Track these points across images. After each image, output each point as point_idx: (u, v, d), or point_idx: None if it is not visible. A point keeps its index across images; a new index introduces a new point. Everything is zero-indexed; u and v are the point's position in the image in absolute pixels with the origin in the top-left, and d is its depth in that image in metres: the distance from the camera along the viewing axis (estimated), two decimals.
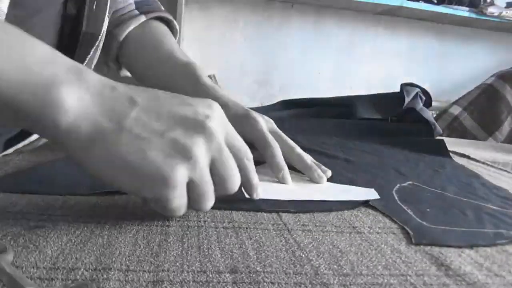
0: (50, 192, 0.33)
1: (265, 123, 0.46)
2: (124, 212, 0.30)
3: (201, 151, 0.27)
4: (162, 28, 0.60)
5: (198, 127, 0.28)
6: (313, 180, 0.43)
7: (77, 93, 0.26)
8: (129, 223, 0.29)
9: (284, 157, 0.43)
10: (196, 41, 2.13)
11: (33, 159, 0.42)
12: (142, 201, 0.30)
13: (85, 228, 0.27)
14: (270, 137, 0.44)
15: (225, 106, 0.43)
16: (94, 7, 0.44)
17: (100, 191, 0.34)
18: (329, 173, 0.45)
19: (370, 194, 0.40)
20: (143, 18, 0.56)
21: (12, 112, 0.25)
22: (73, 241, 0.25)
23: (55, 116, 0.25)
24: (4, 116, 0.26)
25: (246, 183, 0.33)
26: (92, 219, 0.29)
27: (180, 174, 0.26)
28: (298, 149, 0.46)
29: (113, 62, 0.60)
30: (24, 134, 0.46)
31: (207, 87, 0.50)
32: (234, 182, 0.30)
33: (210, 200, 0.29)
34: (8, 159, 0.42)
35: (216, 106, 0.30)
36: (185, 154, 0.26)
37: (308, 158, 0.45)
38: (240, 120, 0.44)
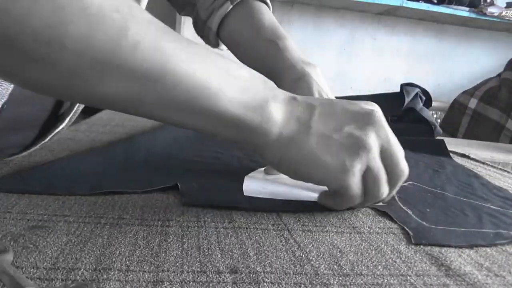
0: (50, 192, 0.33)
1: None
2: (124, 212, 0.30)
3: (372, 140, 0.31)
4: (249, 9, 0.56)
5: (367, 119, 0.32)
6: None
7: (279, 106, 0.31)
8: (129, 223, 0.29)
9: None
10: (196, 41, 2.13)
11: (33, 159, 0.42)
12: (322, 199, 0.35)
13: (85, 228, 0.27)
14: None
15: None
16: None
17: (100, 191, 0.34)
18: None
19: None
20: (229, 5, 0.55)
21: (231, 127, 0.30)
22: (73, 241, 0.25)
23: (269, 128, 0.30)
24: (221, 131, 0.30)
25: None
26: (92, 219, 0.29)
27: (358, 163, 0.31)
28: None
29: (214, 46, 0.60)
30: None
31: (285, 69, 0.48)
32: (405, 166, 0.33)
33: (384, 187, 0.32)
34: (8, 159, 0.42)
35: (376, 105, 0.34)
36: (360, 144, 0.31)
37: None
38: None
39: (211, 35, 0.57)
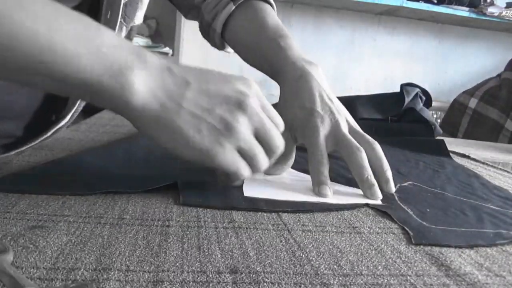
0: (50, 192, 0.33)
1: (325, 129, 0.43)
2: (124, 212, 0.30)
3: (242, 124, 0.33)
4: (252, 9, 0.56)
5: (239, 103, 0.33)
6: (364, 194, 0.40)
7: (144, 76, 0.30)
8: (129, 223, 0.29)
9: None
10: (196, 41, 2.13)
11: (33, 159, 0.42)
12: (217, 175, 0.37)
13: (85, 228, 0.27)
14: (320, 151, 0.41)
15: (295, 99, 0.44)
16: (109, 15, 0.44)
17: (100, 191, 0.34)
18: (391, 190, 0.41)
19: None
20: (232, 6, 0.55)
21: (89, 93, 0.29)
22: (73, 241, 0.25)
23: (128, 97, 0.29)
24: (81, 96, 0.31)
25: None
26: (92, 219, 0.29)
27: (228, 143, 0.32)
28: (358, 156, 0.41)
29: (219, 47, 0.61)
30: (23, 140, 0.46)
31: (285, 65, 0.47)
32: (279, 141, 0.35)
33: (262, 159, 0.34)
34: (8, 159, 0.42)
35: (253, 84, 0.35)
36: (229, 128, 0.32)
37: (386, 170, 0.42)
38: (302, 122, 0.43)
39: (216, 37, 0.57)
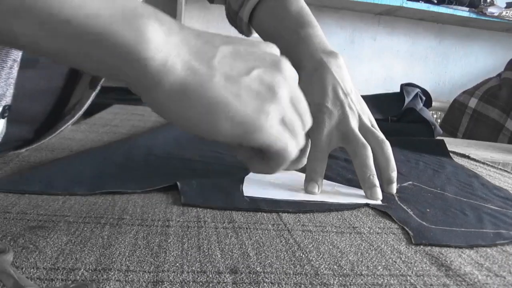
0: (50, 192, 0.33)
1: (330, 124, 0.41)
2: (124, 212, 0.30)
3: (283, 88, 0.27)
4: None
5: (275, 64, 0.28)
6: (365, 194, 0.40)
7: (163, 29, 0.24)
8: (129, 223, 0.29)
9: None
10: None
11: (33, 159, 0.42)
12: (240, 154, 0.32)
13: (85, 228, 0.27)
14: (320, 147, 0.40)
15: (308, 94, 0.39)
16: None
17: (100, 191, 0.34)
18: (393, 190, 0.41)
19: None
20: None
21: (103, 51, 0.23)
22: (73, 241, 0.25)
23: (146, 52, 0.23)
24: (93, 58, 0.23)
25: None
26: (92, 219, 0.29)
27: (273, 115, 0.27)
28: (362, 158, 0.40)
29: (246, 34, 0.59)
30: (31, 141, 0.46)
31: (305, 53, 0.45)
32: (309, 117, 0.31)
33: (303, 134, 0.30)
34: (8, 159, 0.42)
35: (277, 48, 0.30)
36: (273, 92, 0.27)
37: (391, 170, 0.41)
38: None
39: (243, 25, 0.56)
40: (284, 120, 0.28)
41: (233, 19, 0.58)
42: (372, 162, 0.40)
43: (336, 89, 0.43)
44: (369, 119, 0.44)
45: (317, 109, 0.41)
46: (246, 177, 0.41)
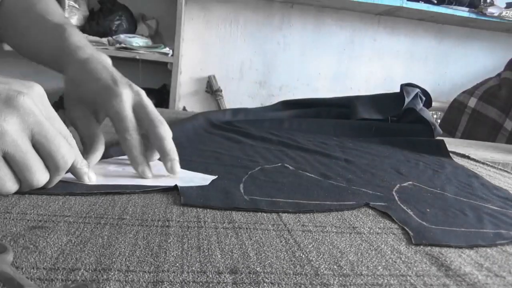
0: (50, 192, 0.33)
1: (130, 97, 0.40)
2: (124, 212, 0.30)
3: (11, 124, 0.28)
4: None
5: (8, 101, 0.28)
6: (166, 169, 0.39)
7: None
8: (129, 223, 0.29)
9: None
10: (196, 41, 2.13)
11: None
12: None
13: (85, 228, 0.27)
14: (128, 118, 0.38)
15: (90, 74, 0.40)
16: None
17: (100, 191, 0.34)
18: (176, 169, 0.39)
19: (207, 179, 0.39)
20: None
21: None
22: (73, 241, 0.25)
23: None
24: None
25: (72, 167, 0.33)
26: (92, 219, 0.29)
27: None
28: (161, 129, 0.39)
29: None
30: None
31: (72, 48, 0.44)
32: (64, 154, 0.30)
33: (38, 173, 0.29)
34: None
35: (37, 87, 0.31)
36: None
37: (168, 143, 0.39)
38: (103, 95, 0.39)
39: None
40: (10, 156, 0.28)
41: None
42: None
43: (114, 76, 0.41)
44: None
45: (108, 84, 0.40)
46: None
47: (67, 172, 0.33)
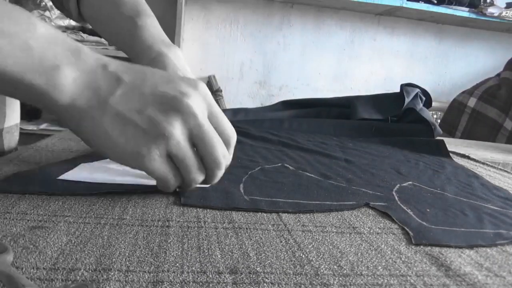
0: (50, 192, 0.33)
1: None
2: (124, 212, 0.30)
3: (174, 126, 0.29)
4: None
5: (174, 104, 0.29)
6: None
7: (74, 72, 0.28)
8: (129, 223, 0.29)
9: None
10: (196, 41, 2.13)
11: (33, 160, 0.42)
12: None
13: (85, 228, 0.27)
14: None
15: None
16: None
17: (100, 191, 0.34)
18: None
19: None
20: None
21: (18, 90, 0.27)
22: (73, 241, 0.25)
23: (55, 95, 0.28)
24: (9, 93, 0.29)
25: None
26: (92, 219, 0.29)
27: (155, 149, 0.29)
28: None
29: (76, 20, 0.57)
30: None
31: (142, 48, 0.45)
32: (218, 155, 0.31)
33: (194, 172, 0.31)
34: (8, 159, 0.42)
35: (201, 86, 0.32)
36: (159, 131, 0.29)
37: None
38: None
39: (71, 7, 0.54)
40: (174, 155, 0.30)
41: (60, 1, 0.54)
42: None
43: (175, 73, 0.42)
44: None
45: None
46: (83, 165, 0.40)
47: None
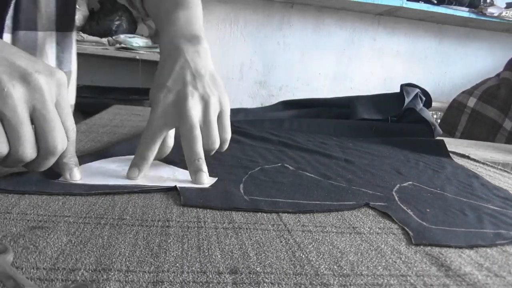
0: (50, 192, 0.33)
1: (198, 111, 0.39)
2: (124, 212, 0.30)
3: (16, 88, 0.29)
4: None
5: (24, 74, 0.29)
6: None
7: None
8: (129, 223, 0.29)
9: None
10: None
11: None
12: None
13: (85, 228, 0.27)
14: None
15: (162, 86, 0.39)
16: None
17: (100, 191, 0.34)
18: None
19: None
20: None
21: None
22: (73, 241, 0.25)
23: None
24: None
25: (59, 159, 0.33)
26: (92, 219, 0.29)
27: None
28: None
29: (143, 16, 0.59)
30: None
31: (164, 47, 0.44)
32: (56, 138, 0.31)
33: (26, 145, 0.30)
34: None
35: (59, 74, 0.31)
36: (1, 92, 0.28)
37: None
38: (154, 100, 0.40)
39: (137, 4, 0.57)
40: (6, 119, 0.29)
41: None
42: (199, 146, 0.38)
43: (184, 70, 0.40)
44: (221, 107, 0.42)
45: (158, 90, 0.40)
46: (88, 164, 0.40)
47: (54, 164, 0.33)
